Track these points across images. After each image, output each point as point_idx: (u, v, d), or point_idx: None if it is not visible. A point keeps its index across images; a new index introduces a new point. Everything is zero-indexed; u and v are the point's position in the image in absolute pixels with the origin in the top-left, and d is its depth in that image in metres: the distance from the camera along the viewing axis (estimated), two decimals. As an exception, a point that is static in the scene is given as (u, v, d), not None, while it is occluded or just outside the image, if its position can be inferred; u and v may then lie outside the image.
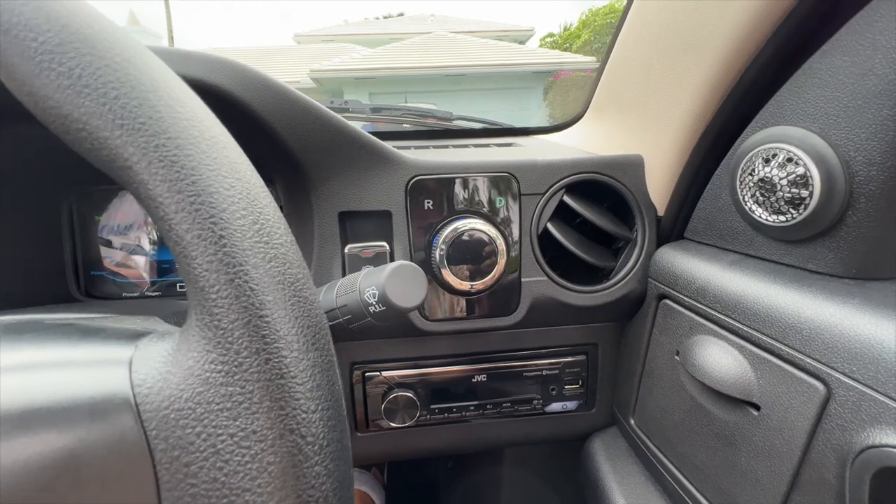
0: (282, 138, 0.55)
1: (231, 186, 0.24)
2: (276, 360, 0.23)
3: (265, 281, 0.23)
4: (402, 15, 25.12)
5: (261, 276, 0.23)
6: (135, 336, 0.26)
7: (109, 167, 0.23)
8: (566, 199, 0.65)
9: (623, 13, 0.75)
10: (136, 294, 0.81)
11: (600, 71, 0.87)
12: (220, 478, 0.22)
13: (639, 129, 0.70)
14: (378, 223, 0.63)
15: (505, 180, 0.63)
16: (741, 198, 0.51)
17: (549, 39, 20.37)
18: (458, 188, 0.63)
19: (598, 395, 0.73)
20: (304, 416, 0.23)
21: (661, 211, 0.66)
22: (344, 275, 0.61)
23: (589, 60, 14.65)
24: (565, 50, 17.09)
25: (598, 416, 0.74)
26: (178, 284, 0.80)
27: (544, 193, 0.64)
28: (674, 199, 0.62)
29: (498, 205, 0.64)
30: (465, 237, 0.60)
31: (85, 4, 0.23)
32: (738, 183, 0.52)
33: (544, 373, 0.71)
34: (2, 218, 0.67)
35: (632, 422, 0.68)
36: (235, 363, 0.23)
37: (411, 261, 0.61)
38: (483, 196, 0.64)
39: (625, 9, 0.74)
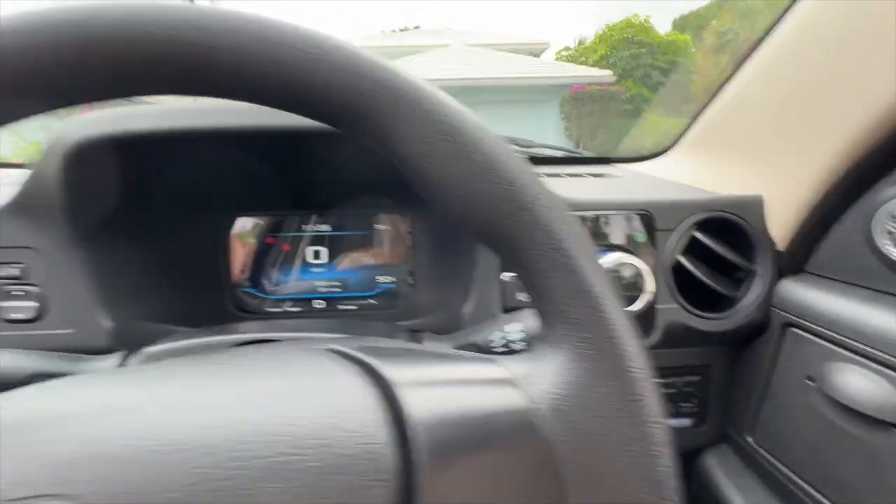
0: None
1: (573, 232, 0.27)
2: (633, 370, 0.24)
3: (608, 301, 0.26)
4: (418, 28, 25.35)
5: (605, 297, 0.26)
6: (488, 360, 0.28)
7: (491, 228, 0.26)
8: (697, 234, 0.71)
9: (737, 62, 0.82)
10: (278, 310, 0.90)
11: (702, 108, 0.94)
12: (622, 479, 0.24)
13: (757, 169, 0.78)
14: None
15: (644, 217, 0.71)
16: (878, 240, 0.57)
17: (564, 53, 20.44)
18: (601, 224, 0.70)
19: (709, 413, 0.79)
20: (657, 422, 0.25)
21: (780, 246, 0.73)
22: (502, 301, 0.68)
23: (605, 74, 14.68)
24: (581, 63, 17.15)
25: (709, 432, 0.81)
26: (312, 301, 0.88)
27: (675, 228, 0.72)
28: (796, 236, 0.68)
29: (637, 239, 0.70)
30: (614, 270, 0.67)
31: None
32: (875, 225, 0.57)
33: (664, 391, 0.78)
34: (172, 238, 0.73)
35: (749, 439, 0.74)
36: (611, 375, 0.24)
37: None
38: (623, 230, 0.71)
39: (740, 58, 0.82)
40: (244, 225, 0.84)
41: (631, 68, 14.44)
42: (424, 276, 0.83)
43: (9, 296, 0.61)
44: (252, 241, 0.84)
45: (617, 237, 0.71)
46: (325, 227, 0.86)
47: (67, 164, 0.55)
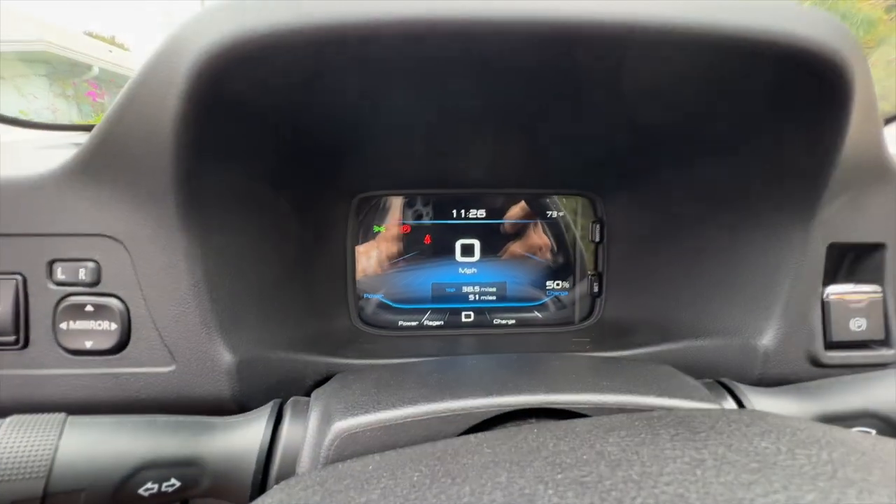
0: None
1: None
2: None
3: None
4: None
5: None
6: None
7: None
8: None
9: None
10: (413, 324, 0.67)
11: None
12: None
13: None
14: (866, 260, 0.49)
15: None
16: None
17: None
18: None
19: None
20: None
21: None
22: (824, 322, 0.45)
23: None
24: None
25: None
26: (462, 312, 0.67)
27: None
28: None
29: None
30: None
31: None
32: None
33: None
34: (291, 223, 0.56)
35: None
36: None
37: None
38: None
39: None
40: (373, 207, 0.66)
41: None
42: (619, 282, 0.65)
43: (78, 312, 0.40)
44: (381, 231, 0.65)
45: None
46: (479, 214, 0.66)
47: (197, 86, 0.33)
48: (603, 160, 0.57)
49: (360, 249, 0.66)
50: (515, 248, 0.67)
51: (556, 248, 0.68)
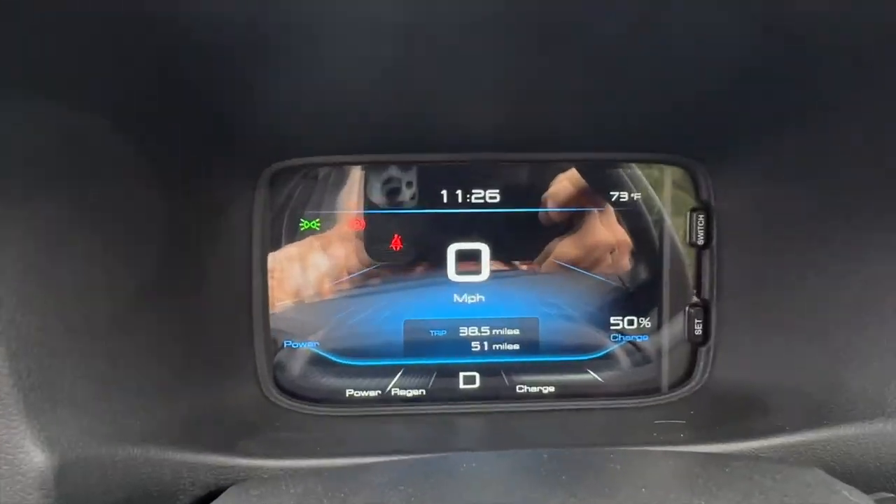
0: None
1: None
2: None
3: None
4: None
5: None
6: None
7: None
8: None
9: None
10: (373, 394, 0.50)
11: None
12: None
13: None
14: None
15: None
16: None
17: None
18: None
19: None
20: None
21: None
22: None
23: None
24: None
25: None
26: (461, 373, 0.51)
27: None
28: None
29: None
30: None
31: None
32: None
33: None
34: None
35: None
36: None
37: None
38: None
39: None
40: (299, 186, 0.50)
41: None
42: (739, 318, 0.51)
43: None
44: (315, 227, 0.49)
45: None
46: (489, 196, 0.49)
47: None
48: (707, 105, 0.46)
49: (278, 259, 0.49)
50: (561, 253, 0.50)
51: (632, 257, 0.51)
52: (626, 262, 0.52)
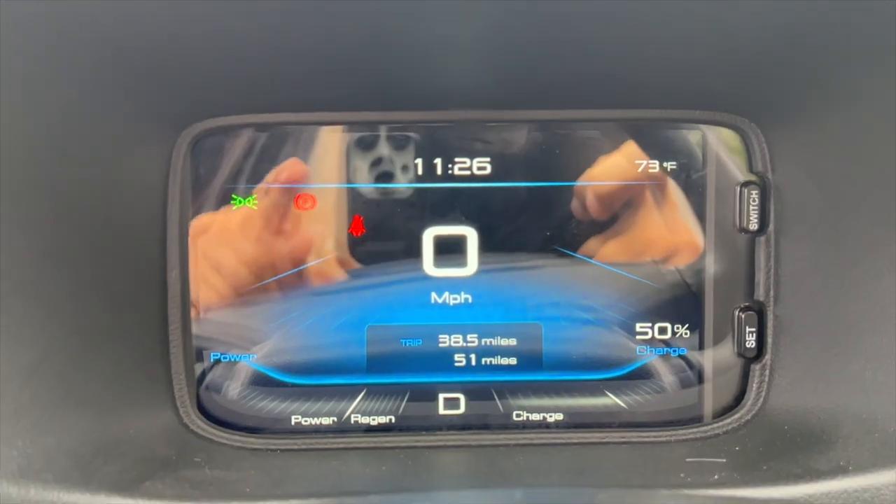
0: None
1: None
2: None
3: None
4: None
5: None
6: None
7: None
8: None
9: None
10: (328, 421, 0.43)
11: None
12: None
13: None
14: None
15: None
16: None
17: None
18: None
19: None
20: None
21: None
22: None
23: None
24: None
25: None
26: (441, 395, 0.44)
27: None
28: None
29: None
30: None
31: None
32: None
33: None
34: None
35: None
36: None
37: None
38: None
39: None
40: (227, 151, 0.42)
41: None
42: (803, 328, 0.44)
43: None
44: (251, 205, 0.41)
45: None
46: (477, 165, 0.41)
47: None
48: (765, 52, 0.39)
49: (202, 247, 0.42)
50: (603, 250, 0.44)
51: (673, 246, 0.44)
52: (686, 255, 0.44)
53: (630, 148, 0.42)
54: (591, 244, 0.43)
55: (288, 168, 0.41)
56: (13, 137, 0.35)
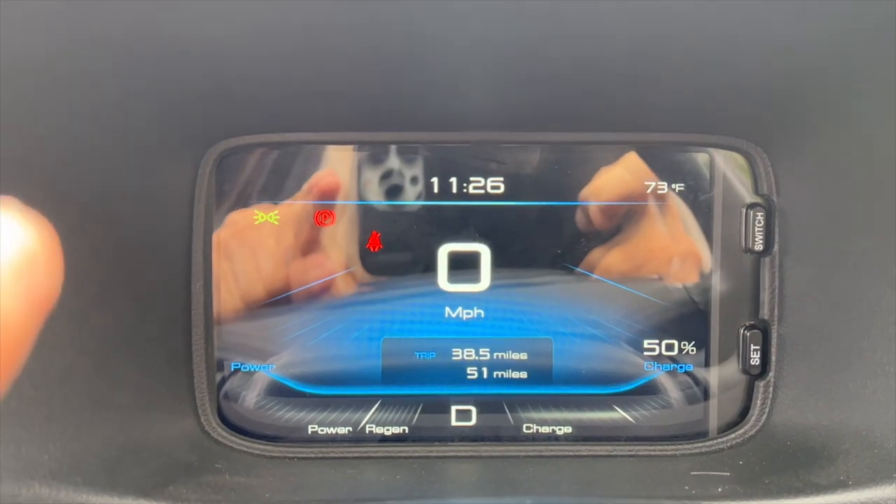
0: None
1: None
2: None
3: None
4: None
5: None
6: None
7: None
8: None
9: None
10: (344, 431, 0.43)
11: None
12: None
13: None
14: None
15: None
16: None
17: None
18: None
19: None
20: None
21: None
22: None
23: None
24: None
25: None
26: (453, 407, 0.45)
27: None
28: None
29: None
30: None
31: None
32: None
33: None
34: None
35: None
36: None
37: None
38: None
39: None
40: (250, 169, 0.43)
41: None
42: (807, 345, 0.45)
43: None
44: (273, 221, 0.42)
45: None
46: (491, 184, 0.42)
47: None
48: (772, 80, 0.40)
49: (225, 261, 0.43)
50: (607, 264, 0.45)
51: (680, 267, 0.45)
52: (693, 274, 0.44)
53: (639, 169, 0.43)
54: (600, 262, 0.43)
55: (325, 177, 0.41)
56: (57, 158, 0.37)
